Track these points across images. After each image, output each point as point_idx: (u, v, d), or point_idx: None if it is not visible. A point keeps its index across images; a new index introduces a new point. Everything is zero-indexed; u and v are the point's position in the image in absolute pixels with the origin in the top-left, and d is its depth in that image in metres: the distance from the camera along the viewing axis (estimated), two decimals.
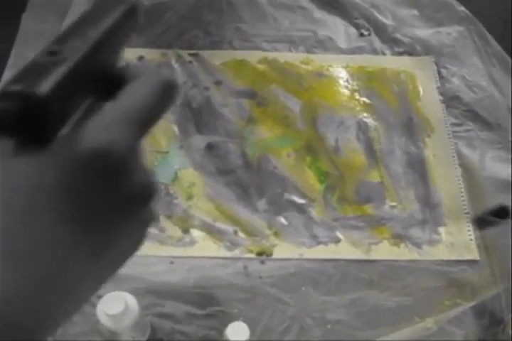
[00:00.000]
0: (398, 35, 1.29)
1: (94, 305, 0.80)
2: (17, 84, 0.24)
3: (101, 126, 0.26)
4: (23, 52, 1.19)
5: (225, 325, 0.81)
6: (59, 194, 0.25)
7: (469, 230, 1.01)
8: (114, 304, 0.76)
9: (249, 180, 1.04)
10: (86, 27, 0.29)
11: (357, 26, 1.30)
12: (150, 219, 0.30)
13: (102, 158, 0.25)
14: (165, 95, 0.29)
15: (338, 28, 1.30)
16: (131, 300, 0.79)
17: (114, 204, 0.27)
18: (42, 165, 0.24)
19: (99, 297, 0.81)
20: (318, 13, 1.32)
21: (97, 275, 0.28)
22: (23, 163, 0.24)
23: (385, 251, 0.98)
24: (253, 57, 1.23)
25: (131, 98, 0.27)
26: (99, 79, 0.29)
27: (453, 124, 1.15)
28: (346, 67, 1.23)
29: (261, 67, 1.21)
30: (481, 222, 1.00)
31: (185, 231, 0.98)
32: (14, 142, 0.24)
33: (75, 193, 0.25)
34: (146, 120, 0.27)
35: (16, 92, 0.24)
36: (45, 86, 0.24)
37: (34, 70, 0.25)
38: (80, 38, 0.28)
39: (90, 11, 0.31)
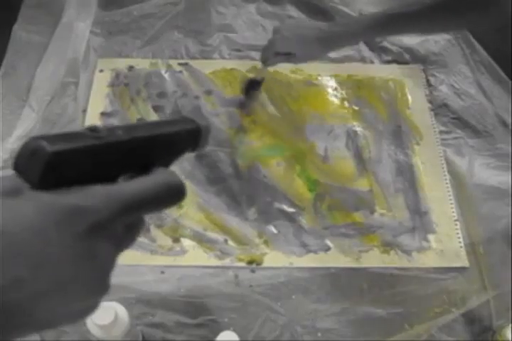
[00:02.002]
0: (386, 44, 1.30)
1: None
2: (41, 139, 0.29)
3: (93, 194, 0.30)
4: (14, 63, 1.20)
5: (216, 334, 0.81)
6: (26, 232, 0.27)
7: (459, 237, 1.01)
8: (104, 314, 0.76)
9: (239, 189, 1.05)
10: (140, 126, 0.34)
11: None
12: (104, 289, 0.32)
13: (75, 215, 0.29)
14: (167, 193, 0.33)
15: None
16: (121, 310, 0.79)
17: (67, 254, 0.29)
18: (22, 207, 0.28)
19: None
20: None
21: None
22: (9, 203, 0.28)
23: (375, 258, 0.98)
24: (243, 66, 1.24)
25: (132, 185, 0.32)
26: (130, 166, 0.33)
27: (441, 132, 1.16)
28: (335, 76, 1.24)
29: (250, 76, 1.22)
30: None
31: (176, 240, 0.98)
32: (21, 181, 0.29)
33: (37, 235, 0.28)
34: (134, 205, 0.31)
35: (30, 143, 0.29)
36: (58, 147, 0.28)
37: (65, 134, 0.30)
38: (125, 130, 0.32)
39: (157, 120, 0.36)
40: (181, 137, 0.37)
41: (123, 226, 0.32)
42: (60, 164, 0.29)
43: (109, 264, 0.32)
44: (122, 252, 0.33)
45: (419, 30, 1.04)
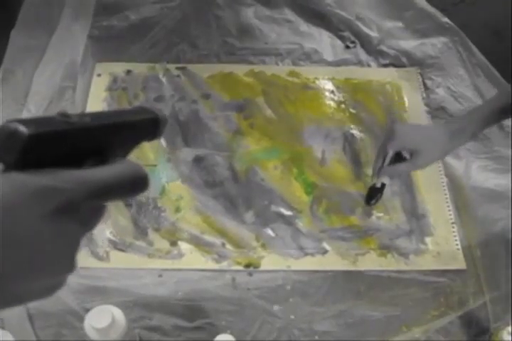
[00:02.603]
0: (383, 47, 1.30)
1: (82, 319, 0.81)
2: (17, 122, 0.30)
3: (63, 176, 0.31)
4: (13, 68, 1.20)
5: (214, 337, 0.81)
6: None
7: (456, 240, 1.01)
8: (101, 318, 0.76)
9: (236, 193, 1.05)
10: (105, 114, 0.37)
11: (343, 39, 1.32)
12: (70, 268, 0.33)
13: (45, 194, 0.30)
14: (132, 182, 0.35)
15: (324, 41, 1.31)
16: (118, 314, 0.80)
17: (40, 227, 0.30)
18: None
19: (87, 310, 0.81)
20: (305, 26, 1.34)
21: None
22: None
23: (372, 261, 0.99)
24: (240, 70, 1.24)
25: (100, 171, 0.33)
26: (93, 152, 0.35)
27: None
28: (332, 79, 1.24)
29: (248, 79, 1.23)
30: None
31: (174, 243, 0.99)
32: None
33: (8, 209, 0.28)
34: (100, 190, 0.33)
35: (7, 126, 0.30)
36: (35, 130, 0.30)
37: (38, 119, 0.31)
38: (92, 117, 0.34)
39: (119, 109, 0.40)
40: (142, 126, 0.39)
41: (88, 210, 0.34)
42: (35, 146, 0.30)
43: (74, 243, 0.33)
44: (85, 235, 0.34)
45: None
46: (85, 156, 0.34)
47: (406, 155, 0.95)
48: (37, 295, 0.32)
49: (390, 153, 0.95)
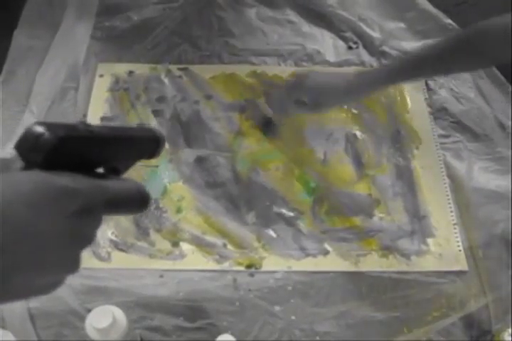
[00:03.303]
0: (386, 48, 1.30)
1: (83, 319, 0.81)
2: (45, 125, 0.31)
3: (84, 181, 0.33)
4: (15, 68, 1.20)
5: (215, 338, 0.81)
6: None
7: (458, 241, 1.01)
8: (102, 318, 0.76)
9: (238, 193, 1.05)
10: (117, 128, 0.38)
11: (345, 39, 1.32)
12: (76, 267, 0.34)
13: (69, 195, 0.31)
14: (138, 199, 0.37)
15: (326, 42, 1.31)
16: (119, 314, 0.80)
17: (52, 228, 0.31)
18: (17, 181, 0.30)
19: (89, 311, 0.81)
20: (307, 27, 1.34)
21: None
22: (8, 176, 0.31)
23: (373, 262, 0.98)
24: (242, 70, 1.24)
25: (113, 183, 0.35)
26: (100, 163, 0.37)
27: (441, 136, 1.16)
28: None
29: (250, 80, 1.22)
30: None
31: (175, 244, 0.99)
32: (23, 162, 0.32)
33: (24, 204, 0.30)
34: (113, 200, 0.35)
35: (36, 128, 0.31)
36: (62, 134, 0.32)
37: (63, 124, 0.33)
38: (108, 129, 0.36)
39: (125, 126, 0.43)
40: (146, 142, 0.41)
41: (99, 217, 0.35)
42: (60, 149, 0.32)
43: (85, 244, 0.34)
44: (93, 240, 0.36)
45: (443, 72, 1.05)
46: (96, 164, 0.36)
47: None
48: (37, 292, 0.33)
49: (290, 99, 1.04)
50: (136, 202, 0.37)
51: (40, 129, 0.31)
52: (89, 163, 0.35)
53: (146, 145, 0.41)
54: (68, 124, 0.33)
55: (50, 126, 0.31)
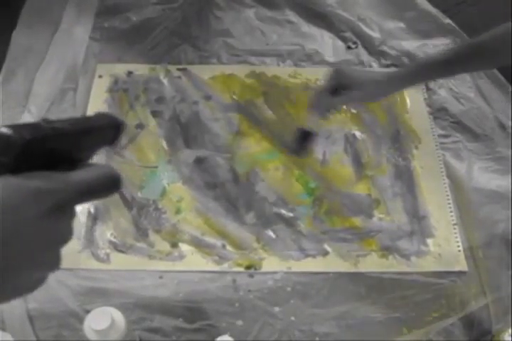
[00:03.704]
0: (385, 48, 1.30)
1: (82, 321, 0.80)
2: (10, 128, 0.32)
3: (53, 179, 0.33)
4: (14, 69, 1.20)
5: (214, 339, 0.81)
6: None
7: (457, 241, 1.01)
8: (101, 319, 0.76)
9: (237, 194, 1.05)
10: (77, 120, 0.39)
11: (344, 39, 1.32)
12: (57, 264, 0.35)
13: (40, 196, 0.32)
14: (109, 182, 0.38)
15: (325, 42, 1.31)
16: (118, 315, 0.80)
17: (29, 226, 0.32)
18: None
19: (88, 312, 0.81)
20: (306, 27, 1.33)
21: None
22: None
23: (373, 263, 0.98)
24: (241, 71, 1.24)
25: (82, 174, 0.36)
26: (63, 156, 0.37)
27: (440, 136, 1.16)
28: None
29: (249, 81, 1.22)
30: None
31: (174, 245, 0.99)
32: None
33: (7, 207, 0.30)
34: (85, 191, 0.35)
35: (5, 132, 0.32)
36: (29, 136, 0.32)
37: (27, 125, 0.33)
38: (69, 122, 0.37)
39: (83, 116, 0.40)
40: (105, 130, 0.41)
41: (72, 210, 0.36)
42: (27, 151, 0.32)
43: (62, 241, 0.35)
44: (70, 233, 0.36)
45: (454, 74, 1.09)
46: (58, 160, 0.36)
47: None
48: (20, 292, 0.34)
49: (326, 89, 1.00)
50: (108, 185, 0.38)
51: (5, 132, 0.32)
52: (55, 157, 0.35)
53: (107, 132, 0.42)
54: (32, 124, 0.34)
55: (15, 128, 0.32)
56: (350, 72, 1.00)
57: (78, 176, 0.35)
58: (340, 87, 0.98)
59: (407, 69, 1.01)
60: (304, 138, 1.06)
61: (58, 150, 0.36)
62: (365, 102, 1.10)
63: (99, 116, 0.42)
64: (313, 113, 1.03)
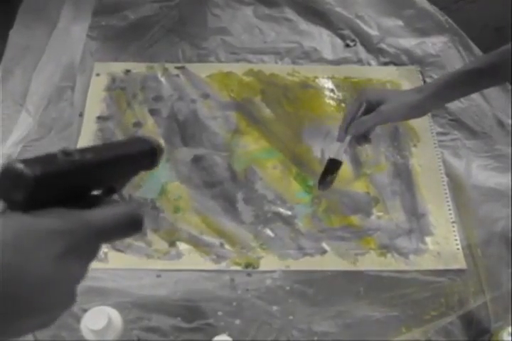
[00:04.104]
0: (383, 46, 1.29)
1: (80, 320, 0.80)
2: (22, 163, 0.30)
3: (69, 218, 0.32)
4: (11, 68, 1.20)
5: (212, 338, 0.81)
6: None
7: (456, 239, 1.01)
8: (98, 319, 0.76)
9: (235, 193, 1.04)
10: (105, 148, 0.37)
11: (342, 37, 1.31)
12: (71, 302, 0.34)
13: (53, 237, 0.31)
14: (130, 224, 0.36)
15: (323, 39, 1.31)
16: (115, 315, 0.79)
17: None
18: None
19: (85, 311, 0.81)
20: (304, 25, 1.33)
21: None
22: None
23: (371, 261, 0.98)
24: (239, 69, 1.24)
25: (102, 212, 0.34)
26: (94, 185, 0.36)
27: (439, 133, 1.15)
28: (332, 78, 1.23)
29: (247, 79, 1.22)
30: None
31: (172, 244, 0.98)
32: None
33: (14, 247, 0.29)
34: (103, 232, 0.34)
35: (13, 168, 0.30)
36: (40, 171, 0.30)
37: (41, 158, 0.32)
38: (94, 152, 0.34)
39: (117, 141, 0.40)
40: (140, 157, 0.40)
41: (89, 250, 0.35)
42: (40, 187, 0.30)
43: (78, 281, 0.34)
44: (86, 273, 0.35)
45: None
46: (86, 190, 0.35)
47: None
48: (34, 329, 0.32)
49: (353, 108, 0.93)
50: (127, 228, 0.36)
51: (17, 169, 0.30)
52: (78, 189, 0.34)
53: (142, 159, 0.40)
54: (46, 157, 0.32)
55: (28, 163, 0.30)
56: (376, 90, 0.97)
57: (96, 216, 0.34)
58: (370, 106, 0.92)
59: (433, 82, 0.95)
60: (333, 168, 0.99)
61: (81, 181, 0.34)
62: (398, 120, 1.02)
63: (134, 141, 0.40)
64: (339, 140, 0.97)
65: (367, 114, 0.92)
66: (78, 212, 0.33)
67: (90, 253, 0.35)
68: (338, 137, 0.97)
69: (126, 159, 0.38)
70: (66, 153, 0.32)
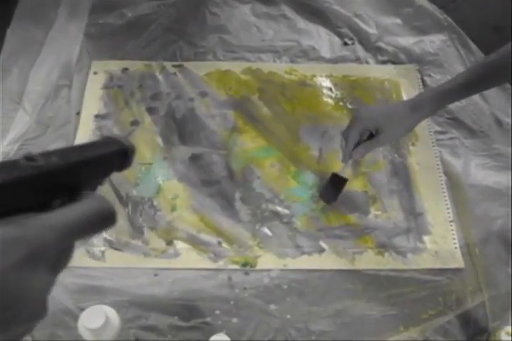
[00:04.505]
0: (382, 44, 1.29)
1: (77, 319, 0.80)
2: None
3: (28, 224, 0.30)
4: (8, 67, 1.19)
5: (210, 337, 0.81)
6: None
7: (454, 238, 1.01)
8: (95, 318, 0.76)
9: (233, 191, 1.04)
10: (72, 151, 0.35)
11: (340, 35, 1.31)
12: (42, 313, 0.32)
13: (12, 245, 0.29)
14: (98, 220, 0.34)
15: (321, 38, 1.30)
16: (112, 314, 0.79)
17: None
18: None
19: (83, 310, 0.80)
20: (302, 23, 1.33)
21: None
22: None
23: (369, 260, 0.98)
24: (237, 67, 1.24)
25: (65, 213, 0.32)
26: (61, 190, 0.34)
27: (437, 132, 1.15)
28: (330, 77, 1.23)
29: (245, 77, 1.22)
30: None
31: (169, 243, 0.98)
32: None
33: None
34: (67, 234, 0.32)
35: None
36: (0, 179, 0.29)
37: (2, 165, 0.30)
38: (59, 156, 0.33)
39: (86, 143, 0.37)
40: (111, 158, 0.38)
41: (56, 253, 0.33)
42: (2, 195, 0.29)
43: (46, 290, 0.32)
44: (56, 277, 0.33)
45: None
46: (53, 195, 0.33)
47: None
48: None
49: (354, 135, 0.95)
50: (97, 223, 0.34)
51: None
52: (45, 194, 0.32)
53: (112, 160, 0.38)
54: (8, 163, 0.31)
55: None
56: (371, 114, 0.96)
57: (63, 216, 0.32)
58: (367, 130, 0.95)
59: (427, 96, 0.96)
60: (336, 185, 1.02)
61: (47, 186, 0.32)
62: (398, 138, 1.08)
63: (102, 141, 0.39)
64: (344, 162, 1.00)
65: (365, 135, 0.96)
66: (41, 217, 0.31)
67: (60, 257, 0.33)
68: (342, 159, 1.00)
69: (94, 161, 0.37)
70: (29, 158, 0.31)
